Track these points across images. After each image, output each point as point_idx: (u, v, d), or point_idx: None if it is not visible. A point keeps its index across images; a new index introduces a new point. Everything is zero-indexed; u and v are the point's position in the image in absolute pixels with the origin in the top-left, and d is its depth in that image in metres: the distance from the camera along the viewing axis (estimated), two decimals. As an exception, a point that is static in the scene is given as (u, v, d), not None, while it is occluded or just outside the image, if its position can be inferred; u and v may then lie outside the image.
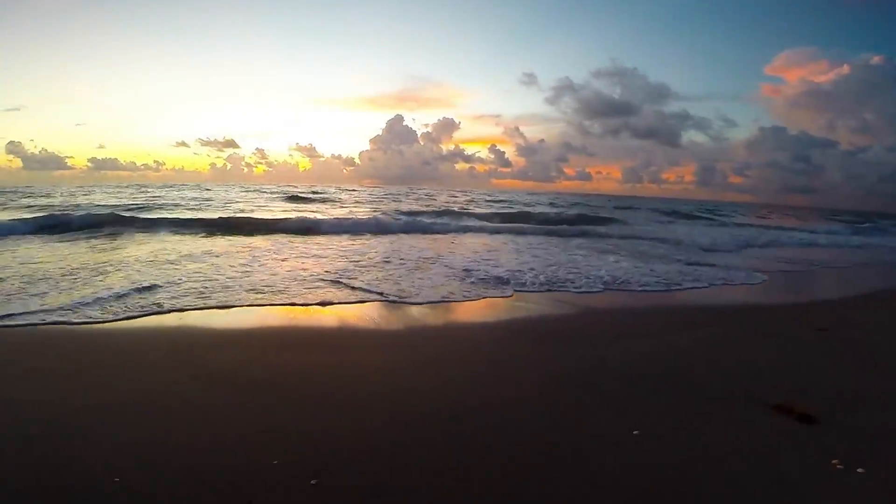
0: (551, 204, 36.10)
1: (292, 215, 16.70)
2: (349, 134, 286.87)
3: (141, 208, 18.15)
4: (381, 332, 4.89)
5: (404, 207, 24.89)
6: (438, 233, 14.96)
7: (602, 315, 5.85)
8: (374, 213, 19.19)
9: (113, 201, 21.13)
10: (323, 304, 5.71)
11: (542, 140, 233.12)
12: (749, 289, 7.92)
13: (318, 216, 16.89)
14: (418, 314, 5.56)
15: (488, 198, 41.89)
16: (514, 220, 19.61)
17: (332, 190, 44.94)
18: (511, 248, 11.52)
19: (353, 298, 6.04)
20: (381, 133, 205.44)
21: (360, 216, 17.55)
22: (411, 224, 16.06)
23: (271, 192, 34.97)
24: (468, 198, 38.23)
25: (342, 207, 24.61)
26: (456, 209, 24.18)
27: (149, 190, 32.50)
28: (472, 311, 5.86)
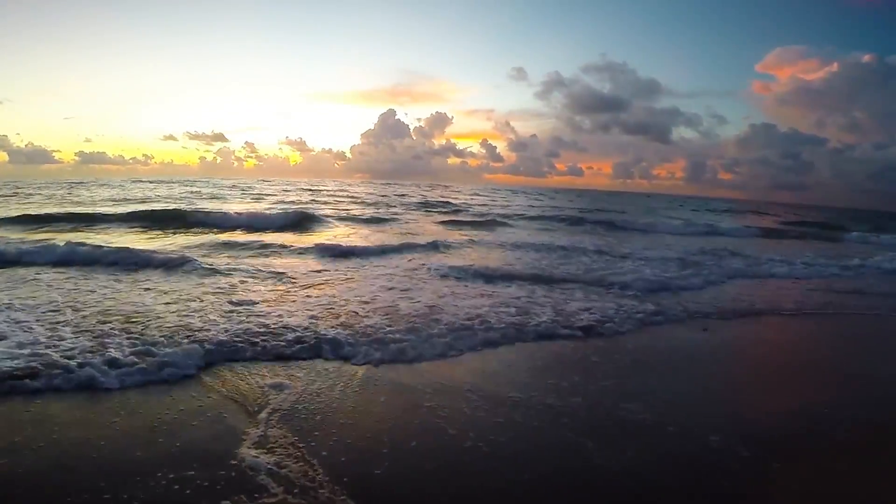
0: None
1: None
2: (341, 128, 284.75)
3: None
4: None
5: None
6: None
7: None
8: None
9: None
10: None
11: (534, 135, 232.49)
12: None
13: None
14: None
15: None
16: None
17: (324, 188, 39.47)
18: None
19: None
20: (372, 127, 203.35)
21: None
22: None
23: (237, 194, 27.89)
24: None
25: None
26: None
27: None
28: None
